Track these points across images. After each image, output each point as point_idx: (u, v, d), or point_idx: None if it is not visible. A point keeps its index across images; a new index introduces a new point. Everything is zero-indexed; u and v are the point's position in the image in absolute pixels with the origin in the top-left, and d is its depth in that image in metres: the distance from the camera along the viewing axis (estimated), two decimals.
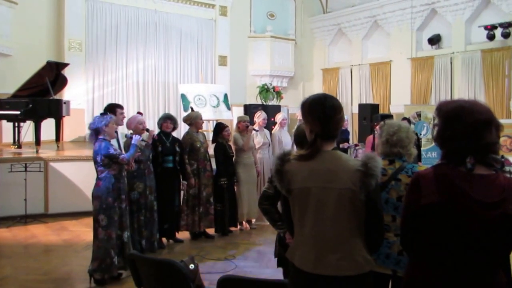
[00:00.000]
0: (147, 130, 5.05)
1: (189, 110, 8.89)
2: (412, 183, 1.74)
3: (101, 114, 4.31)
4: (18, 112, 7.57)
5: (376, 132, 8.16)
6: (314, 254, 1.86)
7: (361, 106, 11.28)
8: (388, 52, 11.76)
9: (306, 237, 1.90)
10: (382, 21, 11.84)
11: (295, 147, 6.77)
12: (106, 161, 4.16)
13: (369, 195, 1.81)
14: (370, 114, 10.61)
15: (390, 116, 10.39)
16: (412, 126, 8.80)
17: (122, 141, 4.92)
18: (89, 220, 6.09)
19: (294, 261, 1.93)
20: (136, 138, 4.48)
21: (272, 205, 2.67)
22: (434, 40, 10.73)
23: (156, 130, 5.52)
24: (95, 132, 4.20)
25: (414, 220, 1.68)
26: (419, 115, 10.27)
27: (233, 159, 6.09)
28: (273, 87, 12.12)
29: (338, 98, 9.80)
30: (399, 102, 11.10)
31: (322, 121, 1.90)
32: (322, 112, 1.90)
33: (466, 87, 10.02)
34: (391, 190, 2.45)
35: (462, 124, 1.62)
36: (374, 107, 11.09)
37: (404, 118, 8.46)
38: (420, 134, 9.45)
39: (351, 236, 1.85)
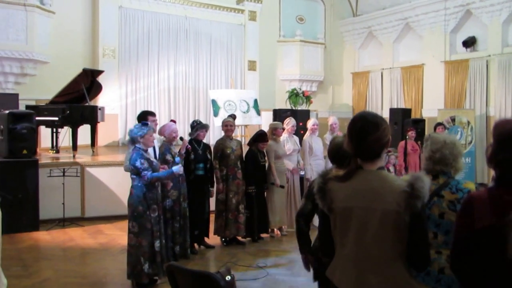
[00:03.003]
0: (181, 138, 5.14)
1: (219, 116, 9.05)
2: (464, 205, 1.69)
3: (143, 123, 4.42)
4: (56, 118, 7.85)
5: (407, 137, 8.07)
6: (355, 275, 1.84)
7: (392, 111, 11.10)
8: (420, 55, 11.53)
9: (347, 256, 1.88)
10: (414, 24, 11.63)
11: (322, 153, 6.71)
12: (136, 171, 4.25)
13: (414, 217, 1.76)
14: (402, 119, 10.45)
15: (422, 121, 10.23)
16: (446, 131, 8.59)
17: (157, 148, 5.04)
18: (123, 224, 6.27)
19: (334, 280, 1.93)
20: (177, 169, 4.42)
21: (307, 225, 2.68)
22: (469, 43, 10.44)
23: (186, 136, 5.61)
24: (132, 140, 4.31)
25: (467, 243, 1.64)
26: (453, 119, 10.05)
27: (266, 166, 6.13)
28: (303, 92, 12.09)
29: (367, 102, 9.64)
30: (432, 107, 10.87)
31: (354, 142, 1.89)
32: (353, 133, 1.90)
33: (503, 91, 9.71)
34: (433, 207, 2.38)
35: None
36: (406, 112, 10.91)
37: (439, 124, 8.29)
38: None
39: (394, 258, 1.81)
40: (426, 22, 11.26)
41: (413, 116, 10.91)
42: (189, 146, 5.30)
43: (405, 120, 10.30)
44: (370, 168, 1.89)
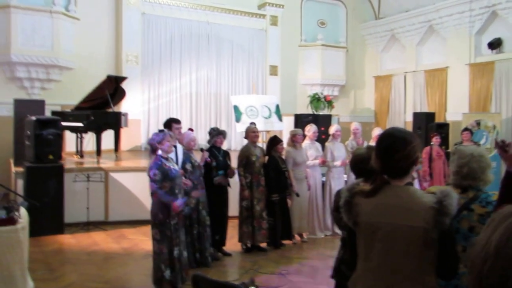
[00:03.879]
0: (202, 150, 5.21)
1: (242, 121, 9.05)
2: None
3: (159, 130, 4.47)
4: (81, 124, 8.02)
5: (432, 143, 7.91)
6: None
7: (416, 115, 10.91)
8: (444, 58, 11.32)
9: (372, 270, 1.86)
10: (438, 26, 11.43)
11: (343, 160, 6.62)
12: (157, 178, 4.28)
13: (442, 234, 1.75)
14: (425, 123, 10.25)
15: (446, 125, 10.01)
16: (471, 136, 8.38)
17: (180, 155, 5.08)
18: (146, 229, 6.35)
19: None
20: (181, 203, 4.28)
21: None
22: (495, 44, 10.19)
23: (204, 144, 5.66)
24: (152, 148, 4.36)
25: None
26: (478, 123, 9.81)
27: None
28: (324, 96, 12.00)
29: (390, 107, 9.42)
30: (457, 110, 10.64)
31: (380, 160, 1.87)
32: (380, 150, 1.89)
33: None
34: (462, 220, 2.32)
35: None
36: (430, 116, 10.69)
37: (465, 129, 8.11)
38: (479, 144, 9.03)
39: (422, 273, 1.79)
40: (451, 24, 11.05)
41: (437, 120, 10.68)
42: (209, 159, 5.32)
43: (429, 124, 10.11)
44: (398, 183, 1.86)
